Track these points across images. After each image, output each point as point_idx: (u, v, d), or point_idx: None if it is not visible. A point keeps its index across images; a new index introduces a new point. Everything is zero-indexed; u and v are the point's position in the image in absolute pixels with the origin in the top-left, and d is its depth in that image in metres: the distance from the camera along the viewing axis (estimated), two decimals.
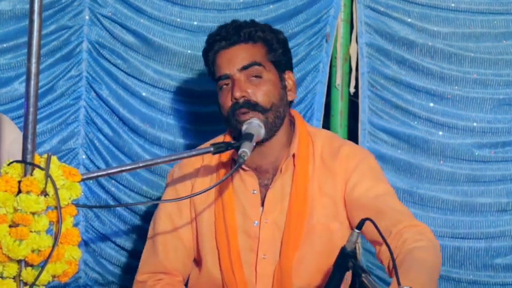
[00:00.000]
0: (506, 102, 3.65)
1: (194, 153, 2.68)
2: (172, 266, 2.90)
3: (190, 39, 3.63)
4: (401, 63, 3.67)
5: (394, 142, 3.70)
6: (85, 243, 3.70)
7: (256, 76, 2.81)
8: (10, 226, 2.10)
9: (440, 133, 3.67)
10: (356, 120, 3.75)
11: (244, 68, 2.81)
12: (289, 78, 2.91)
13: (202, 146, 3.01)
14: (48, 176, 2.10)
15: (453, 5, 3.64)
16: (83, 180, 2.20)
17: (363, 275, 2.28)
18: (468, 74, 3.64)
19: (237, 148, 2.67)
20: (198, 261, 2.95)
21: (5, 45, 3.47)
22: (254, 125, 2.75)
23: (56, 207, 2.11)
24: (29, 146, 2.10)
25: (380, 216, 2.56)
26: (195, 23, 3.63)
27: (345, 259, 2.37)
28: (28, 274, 2.10)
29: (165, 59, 3.63)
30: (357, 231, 2.34)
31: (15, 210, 2.09)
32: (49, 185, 2.11)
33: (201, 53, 3.58)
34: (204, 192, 2.70)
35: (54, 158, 2.14)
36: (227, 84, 2.83)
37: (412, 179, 3.68)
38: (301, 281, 2.83)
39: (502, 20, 3.64)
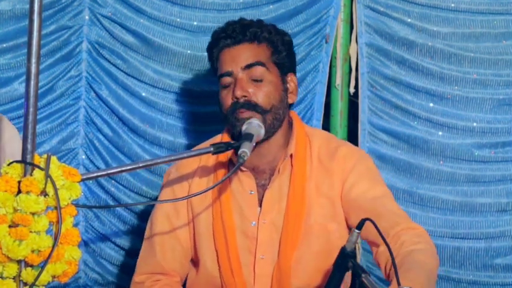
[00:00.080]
0: (506, 102, 3.65)
1: (194, 153, 2.69)
2: (169, 266, 2.90)
3: (190, 39, 3.63)
4: (400, 64, 3.67)
5: (394, 142, 3.70)
6: (84, 244, 3.70)
7: (258, 79, 2.81)
8: (10, 226, 2.10)
9: (440, 133, 3.67)
10: (355, 120, 3.75)
11: (248, 67, 2.81)
12: (292, 80, 2.91)
13: (199, 146, 3.02)
14: (48, 176, 2.10)
15: (453, 5, 3.63)
16: (82, 180, 2.20)
17: (363, 275, 2.29)
18: (468, 74, 3.64)
19: (237, 148, 2.67)
20: (195, 262, 2.95)
21: (4, 45, 3.47)
22: (254, 125, 2.75)
23: (56, 208, 2.11)
24: (29, 146, 2.10)
25: (377, 218, 2.56)
26: (195, 23, 3.63)
27: (345, 259, 2.37)
28: (28, 274, 2.10)
29: (165, 59, 3.63)
30: (357, 231, 2.34)
31: (15, 210, 2.08)
32: (49, 185, 2.11)
33: (200, 53, 3.61)
34: (204, 192, 2.71)
35: (54, 158, 2.13)
36: (229, 82, 2.83)
37: (412, 179, 3.68)
38: (299, 281, 2.83)
39: (502, 20, 3.64)
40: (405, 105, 3.67)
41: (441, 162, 3.67)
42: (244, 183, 2.86)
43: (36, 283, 2.10)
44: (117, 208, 3.71)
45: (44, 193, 2.11)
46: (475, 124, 3.65)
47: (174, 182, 2.94)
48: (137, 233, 3.69)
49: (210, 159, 2.91)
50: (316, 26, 3.68)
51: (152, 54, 3.63)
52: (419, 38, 3.64)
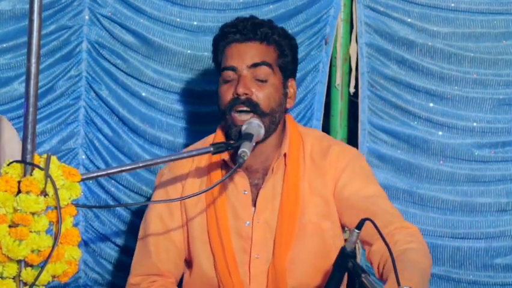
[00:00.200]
0: (506, 102, 3.65)
1: (194, 153, 2.69)
2: (164, 267, 2.89)
3: (189, 39, 3.63)
4: (400, 63, 3.67)
5: (394, 142, 3.70)
6: (84, 243, 3.70)
7: (262, 79, 2.80)
8: (10, 226, 2.10)
9: (440, 133, 3.67)
10: (355, 120, 3.75)
11: (254, 65, 2.80)
12: (292, 86, 2.91)
13: (191, 146, 3.03)
14: (48, 176, 2.10)
15: (453, 5, 3.63)
16: (82, 180, 2.20)
17: (363, 275, 2.28)
18: (468, 74, 3.64)
19: (237, 148, 2.67)
20: (188, 262, 2.93)
21: (4, 45, 3.47)
22: (254, 125, 2.75)
23: (55, 207, 2.11)
24: (29, 146, 2.10)
25: (370, 217, 2.57)
26: (195, 23, 3.63)
27: (345, 259, 2.37)
28: (28, 274, 2.10)
29: (165, 59, 3.63)
30: (357, 231, 2.34)
31: (15, 210, 2.08)
32: (49, 185, 2.11)
33: (200, 53, 3.61)
34: (202, 193, 2.71)
35: (54, 158, 2.13)
36: (231, 78, 2.82)
37: (412, 179, 3.68)
38: (295, 280, 2.83)
39: (502, 20, 3.64)
40: (405, 105, 3.67)
41: (441, 162, 3.67)
42: (237, 183, 2.86)
43: (36, 283, 2.10)
44: (117, 208, 3.71)
45: (44, 193, 2.11)
46: (475, 124, 3.65)
47: (167, 183, 2.93)
48: (137, 232, 3.68)
49: (203, 160, 2.90)
50: (316, 26, 3.68)
51: (152, 54, 3.63)
52: (419, 38, 3.64)
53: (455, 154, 3.66)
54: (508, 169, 3.66)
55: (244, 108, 2.78)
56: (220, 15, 3.61)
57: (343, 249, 2.38)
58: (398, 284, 2.23)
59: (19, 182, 2.10)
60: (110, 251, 3.73)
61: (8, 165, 2.12)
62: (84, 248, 3.70)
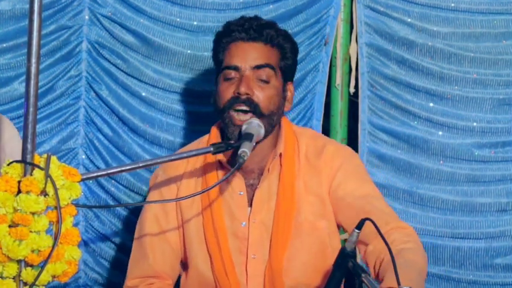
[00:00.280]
0: (506, 102, 3.65)
1: (194, 153, 2.68)
2: (161, 269, 2.88)
3: (189, 39, 3.63)
4: (400, 63, 3.67)
5: (394, 142, 3.70)
6: (84, 243, 3.70)
7: (264, 80, 2.80)
8: (10, 226, 2.09)
9: (440, 133, 3.67)
10: (356, 120, 3.75)
11: (258, 67, 2.80)
12: (289, 89, 2.91)
13: (185, 148, 3.02)
14: (48, 176, 2.10)
15: (453, 5, 3.63)
16: (83, 180, 2.20)
17: (363, 275, 2.28)
18: (468, 74, 3.64)
19: (237, 148, 2.66)
20: (184, 264, 2.93)
21: (4, 45, 3.47)
22: (254, 125, 2.75)
23: (56, 207, 2.11)
24: (29, 146, 2.10)
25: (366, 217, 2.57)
26: (195, 23, 3.63)
27: (345, 259, 2.37)
28: (28, 274, 2.10)
29: (165, 58, 3.63)
30: (357, 231, 2.34)
31: (15, 210, 2.08)
32: (49, 185, 2.10)
33: (200, 53, 3.61)
34: (201, 193, 2.71)
35: (54, 158, 2.13)
36: (232, 76, 2.80)
37: (412, 179, 3.68)
38: (292, 279, 2.83)
39: (502, 20, 3.63)
40: (405, 105, 3.67)
41: (441, 162, 3.67)
42: (233, 184, 2.85)
43: (36, 283, 2.10)
44: (117, 208, 3.71)
45: (44, 193, 2.11)
46: (475, 124, 3.65)
47: (162, 185, 2.92)
48: None
49: (198, 161, 2.89)
50: (316, 26, 3.68)
51: (152, 54, 3.63)
52: (419, 38, 3.64)
53: (455, 154, 3.66)
54: (508, 169, 3.66)
55: (244, 108, 2.77)
56: (220, 15, 3.61)
57: (343, 249, 2.38)
58: (398, 283, 2.23)
59: (19, 182, 2.10)
60: (110, 251, 3.73)
61: (8, 165, 2.12)
62: (84, 248, 3.70)
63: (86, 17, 3.59)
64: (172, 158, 2.70)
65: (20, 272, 2.11)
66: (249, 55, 2.81)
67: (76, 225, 3.43)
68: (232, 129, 2.77)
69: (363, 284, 2.29)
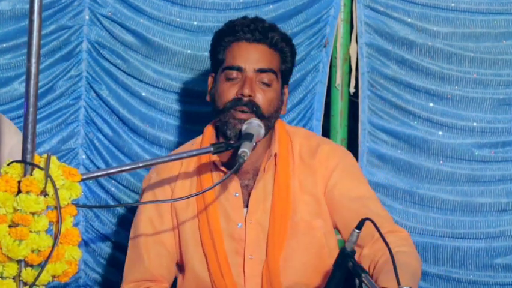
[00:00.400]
0: (506, 102, 3.65)
1: (194, 153, 2.67)
2: (157, 272, 2.86)
3: (189, 39, 3.63)
4: (400, 63, 3.67)
5: (394, 142, 3.70)
6: (85, 243, 3.70)
7: (266, 83, 2.79)
8: (10, 226, 2.09)
9: (440, 133, 3.67)
10: (356, 120, 3.75)
11: (261, 71, 2.79)
12: (285, 93, 2.90)
13: (178, 149, 3.01)
14: (48, 176, 2.10)
15: (453, 5, 3.64)
16: (83, 180, 2.20)
17: (363, 275, 2.28)
18: (468, 74, 3.64)
19: (237, 148, 2.66)
20: (180, 266, 2.91)
21: (4, 45, 3.47)
22: (254, 125, 2.74)
23: (56, 207, 2.11)
24: (29, 146, 2.10)
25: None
26: (195, 23, 3.63)
27: (345, 259, 2.37)
28: (28, 274, 2.10)
29: (165, 59, 3.63)
30: (357, 231, 2.34)
31: (15, 210, 2.08)
32: (49, 185, 2.10)
33: (200, 53, 3.61)
34: (198, 194, 2.70)
35: (54, 158, 2.13)
36: (235, 77, 2.79)
37: (412, 179, 3.68)
38: (289, 279, 2.82)
39: (502, 20, 3.64)
40: (405, 105, 3.67)
41: (441, 162, 3.67)
42: (228, 186, 2.83)
43: (36, 283, 2.10)
44: (117, 208, 3.71)
45: (44, 193, 2.11)
46: (475, 124, 3.65)
47: (155, 186, 2.90)
48: None
49: (192, 162, 2.88)
50: (316, 26, 3.68)
51: (152, 54, 3.63)
52: (419, 38, 3.64)
53: (455, 154, 3.67)
54: (508, 169, 3.66)
55: (245, 109, 2.77)
56: (220, 15, 3.61)
57: (343, 249, 2.38)
58: (398, 283, 2.23)
59: (19, 182, 2.10)
60: (111, 251, 3.73)
61: (8, 165, 2.12)
62: (84, 248, 3.70)
63: (86, 17, 3.59)
64: (172, 158, 2.69)
65: (20, 272, 2.11)
66: (252, 56, 2.80)
67: (76, 225, 3.42)
68: (233, 130, 2.76)
69: (363, 284, 2.29)
